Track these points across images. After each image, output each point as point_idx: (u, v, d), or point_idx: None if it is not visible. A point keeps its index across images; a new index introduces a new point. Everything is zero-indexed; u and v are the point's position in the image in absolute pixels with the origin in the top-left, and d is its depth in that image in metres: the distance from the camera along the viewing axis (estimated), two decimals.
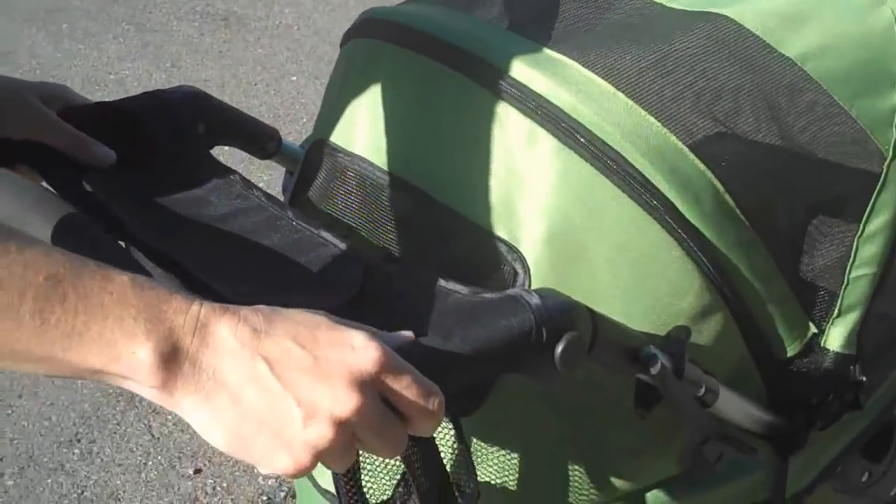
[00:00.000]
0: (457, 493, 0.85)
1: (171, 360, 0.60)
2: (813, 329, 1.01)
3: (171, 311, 0.61)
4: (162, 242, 0.87)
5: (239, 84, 3.80)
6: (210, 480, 2.16)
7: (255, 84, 3.82)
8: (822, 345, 1.02)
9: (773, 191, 0.96)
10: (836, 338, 1.02)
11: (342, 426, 0.62)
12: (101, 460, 2.21)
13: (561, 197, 0.90)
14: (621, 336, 0.83)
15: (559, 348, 0.75)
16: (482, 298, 0.80)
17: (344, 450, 0.63)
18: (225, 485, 2.15)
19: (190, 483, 2.15)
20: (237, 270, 0.89)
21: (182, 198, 0.97)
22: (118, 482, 2.16)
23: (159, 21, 4.25)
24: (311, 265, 0.89)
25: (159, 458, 2.21)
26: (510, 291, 0.78)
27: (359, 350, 0.63)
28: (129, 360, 0.60)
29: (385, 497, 0.89)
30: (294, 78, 3.88)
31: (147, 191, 0.97)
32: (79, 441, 2.25)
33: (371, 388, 0.63)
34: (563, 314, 0.76)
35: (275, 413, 0.61)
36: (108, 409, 2.34)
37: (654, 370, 0.83)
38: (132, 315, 0.60)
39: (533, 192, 0.91)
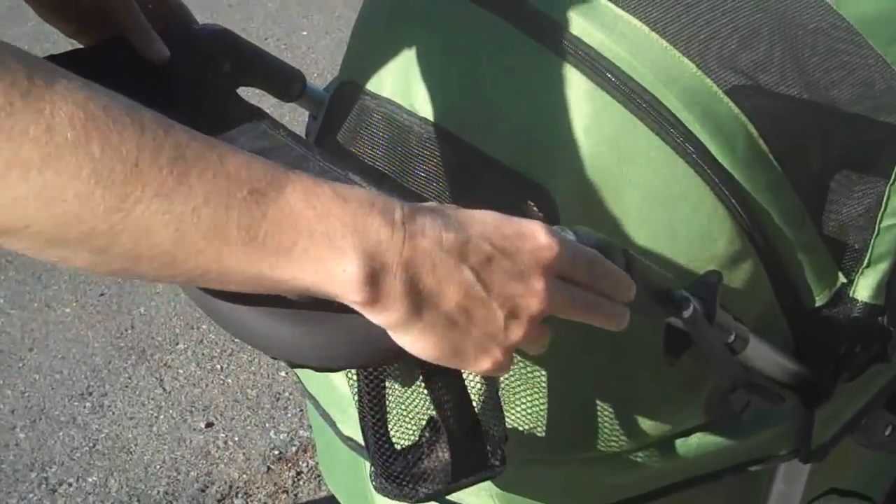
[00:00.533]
0: (486, 436, 0.85)
1: (381, 275, 0.59)
2: (842, 279, 1.00)
3: (377, 224, 0.59)
4: None
5: (249, 38, 3.66)
6: (221, 434, 2.16)
7: (266, 39, 3.80)
8: (850, 295, 1.01)
9: (805, 137, 0.95)
10: (864, 288, 1.00)
11: (536, 319, 0.65)
12: (113, 413, 2.21)
13: (593, 138, 0.89)
14: (654, 277, 0.82)
15: None
16: None
17: (538, 338, 0.66)
18: (236, 438, 2.15)
19: (202, 436, 2.15)
20: None
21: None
22: (130, 435, 2.16)
23: None
24: None
25: (171, 411, 2.22)
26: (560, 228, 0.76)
27: (545, 243, 0.64)
28: (340, 277, 0.59)
29: (412, 441, 0.89)
30: (305, 32, 3.85)
31: None
32: (90, 394, 2.25)
33: (559, 278, 0.65)
34: (598, 251, 0.75)
35: (479, 318, 0.63)
36: (120, 363, 2.33)
37: (686, 313, 0.81)
38: (339, 231, 0.59)
39: (565, 133, 0.90)
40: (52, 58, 0.95)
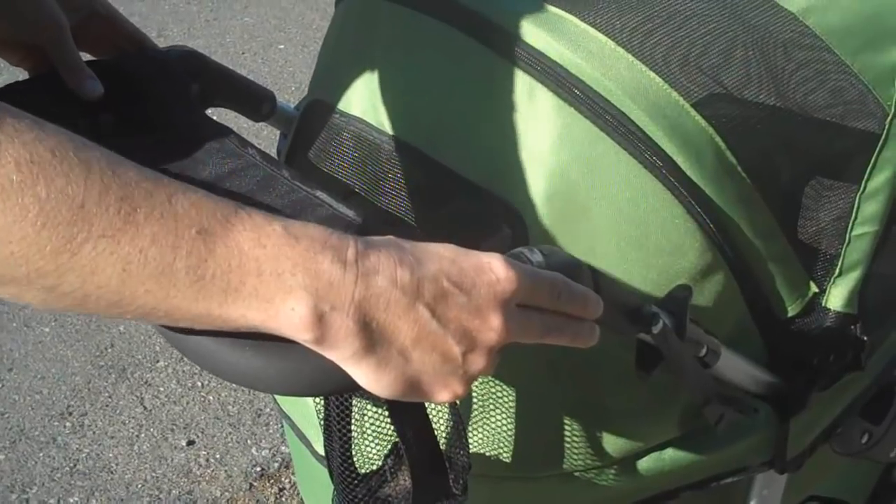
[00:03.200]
0: (448, 465, 0.84)
1: (331, 314, 0.59)
2: (814, 288, 1.00)
3: (328, 263, 0.59)
4: None
5: (227, 53, 3.77)
6: (203, 452, 2.15)
7: (243, 53, 3.79)
8: (823, 304, 1.01)
9: (774, 148, 0.95)
10: (836, 297, 1.00)
11: (496, 350, 0.65)
12: (94, 433, 2.19)
13: (561, 155, 0.89)
14: (622, 294, 0.82)
15: None
16: None
17: (495, 363, 0.66)
18: (218, 456, 2.14)
19: (183, 454, 2.14)
20: None
21: (175, 159, 0.95)
22: (111, 455, 2.14)
23: None
24: None
25: (152, 430, 2.20)
26: (513, 251, 0.76)
27: (503, 276, 0.64)
28: (289, 316, 0.59)
29: (375, 467, 0.88)
30: (282, 46, 3.85)
31: (139, 153, 0.94)
32: (70, 414, 2.24)
33: (519, 309, 0.65)
34: (565, 271, 0.75)
35: (436, 354, 0.63)
36: (100, 382, 2.32)
37: (655, 329, 0.81)
38: (289, 270, 0.58)
39: (532, 150, 0.90)
40: (14, 85, 0.94)
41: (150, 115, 0.98)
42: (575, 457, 0.96)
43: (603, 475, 0.98)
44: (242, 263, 0.58)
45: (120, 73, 1.00)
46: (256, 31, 3.96)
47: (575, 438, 0.96)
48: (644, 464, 0.99)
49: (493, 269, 0.64)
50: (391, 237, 0.65)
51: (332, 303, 0.59)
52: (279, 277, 0.58)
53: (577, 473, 0.97)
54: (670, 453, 1.00)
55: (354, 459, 0.88)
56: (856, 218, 0.99)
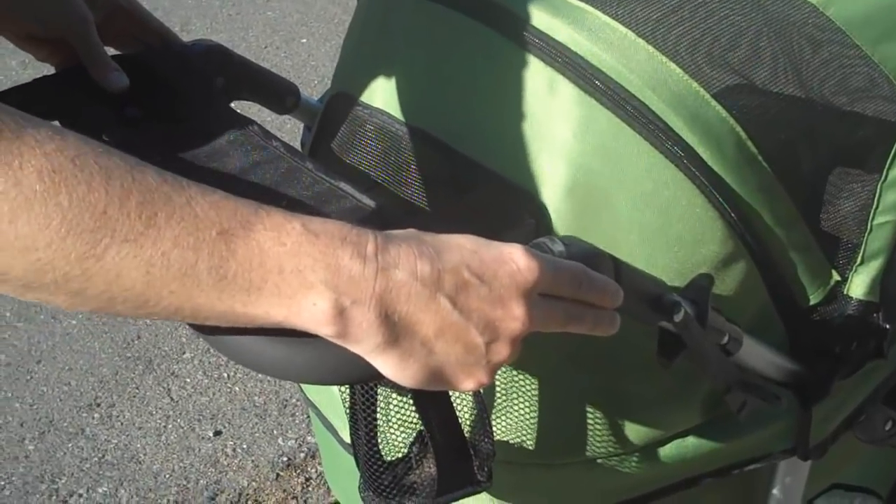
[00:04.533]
0: (472, 452, 0.85)
1: (353, 308, 0.60)
2: (836, 277, 1.00)
3: (349, 258, 0.60)
4: None
5: (249, 47, 3.78)
6: (230, 442, 2.17)
7: (266, 47, 3.81)
8: (845, 293, 1.01)
9: (795, 137, 0.95)
10: (859, 285, 1.01)
11: (519, 339, 0.66)
12: (121, 424, 2.22)
13: (582, 145, 0.90)
14: (644, 283, 0.83)
15: None
16: None
17: (517, 354, 0.67)
18: (245, 446, 2.16)
19: (210, 445, 2.17)
20: None
21: (200, 152, 0.96)
22: (138, 445, 2.17)
23: None
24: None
25: (179, 420, 2.23)
26: (534, 241, 0.77)
27: (524, 266, 0.65)
28: (311, 311, 0.60)
29: (401, 454, 0.89)
30: (304, 40, 3.86)
31: (164, 146, 0.96)
32: (98, 405, 2.26)
33: (541, 298, 0.66)
34: (586, 261, 0.75)
35: (459, 345, 0.64)
36: (127, 373, 2.35)
37: (677, 317, 0.82)
38: (309, 266, 0.59)
39: (554, 141, 0.90)
40: (41, 80, 0.96)
41: (176, 109, 0.99)
42: (597, 444, 0.97)
43: (625, 462, 0.98)
44: (263, 262, 0.59)
45: (145, 67, 1.01)
46: (279, 26, 3.97)
47: (597, 426, 0.96)
48: (666, 451, 1.00)
49: (515, 259, 0.65)
50: (412, 230, 0.66)
51: (354, 297, 0.60)
52: (300, 274, 0.59)
53: (599, 460, 0.98)
54: (692, 441, 1.00)
55: (380, 447, 0.89)
56: (877, 206, 0.99)
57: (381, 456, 0.89)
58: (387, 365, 0.63)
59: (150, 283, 0.57)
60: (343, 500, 1.33)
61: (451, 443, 0.83)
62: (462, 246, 0.65)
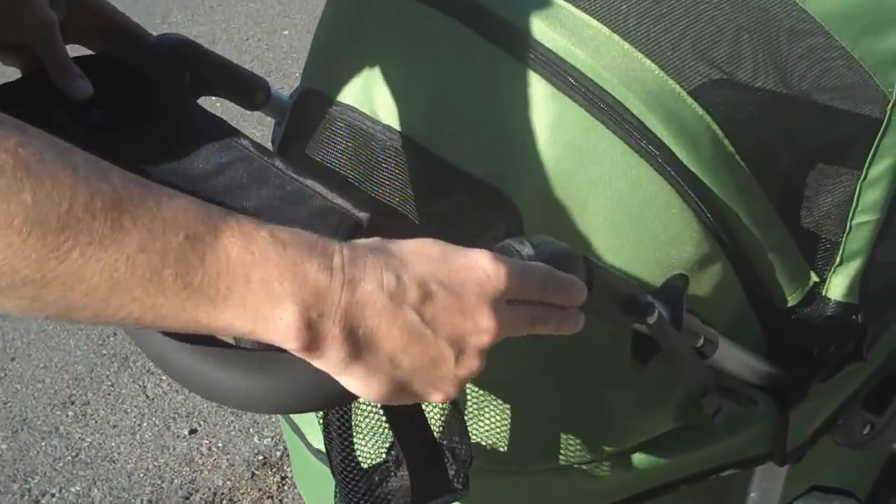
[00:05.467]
0: (450, 457, 0.83)
1: (319, 321, 0.58)
2: (814, 278, 0.99)
3: (315, 269, 0.58)
4: None
5: (231, 39, 3.75)
6: (206, 440, 2.14)
7: (247, 39, 3.77)
8: (823, 294, 0.99)
9: (772, 135, 0.93)
10: (837, 286, 0.99)
11: (486, 350, 0.64)
12: (96, 422, 2.19)
13: (555, 145, 0.88)
14: (617, 284, 0.81)
15: None
16: None
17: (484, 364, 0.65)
18: (220, 444, 2.13)
19: (185, 443, 2.14)
20: None
21: (167, 154, 0.93)
22: (113, 444, 2.14)
23: None
24: (300, 221, 0.87)
25: (154, 419, 2.20)
26: (503, 243, 0.75)
27: (492, 273, 0.63)
28: (277, 325, 0.58)
29: (377, 461, 0.87)
30: (286, 32, 3.83)
31: (129, 149, 0.94)
32: (73, 403, 2.24)
33: (510, 305, 0.64)
34: (557, 262, 0.73)
35: (427, 358, 0.62)
36: (102, 371, 2.32)
37: (651, 319, 0.80)
38: (276, 277, 0.57)
39: (527, 139, 0.88)
40: (2, 87, 0.93)
41: (142, 109, 0.97)
42: (570, 450, 0.95)
43: (599, 468, 0.96)
44: (230, 270, 0.57)
45: (111, 66, 0.99)
46: (261, 17, 3.94)
47: (570, 432, 0.94)
48: (641, 457, 0.98)
49: (482, 266, 0.63)
50: (377, 239, 0.64)
51: (320, 311, 0.58)
52: (267, 285, 0.57)
53: (572, 467, 0.96)
54: (667, 446, 0.99)
55: (356, 454, 0.87)
56: (857, 206, 0.97)
57: (357, 463, 0.87)
58: (352, 380, 0.61)
59: (114, 289, 0.55)
60: (310, 502, 1.30)
61: (424, 451, 0.82)
62: (429, 255, 0.63)
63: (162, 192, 0.57)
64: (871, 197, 0.97)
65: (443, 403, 0.67)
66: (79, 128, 0.93)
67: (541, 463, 0.93)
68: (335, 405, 0.73)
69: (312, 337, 0.59)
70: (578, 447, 0.95)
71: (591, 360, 0.91)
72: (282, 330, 0.58)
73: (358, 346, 0.60)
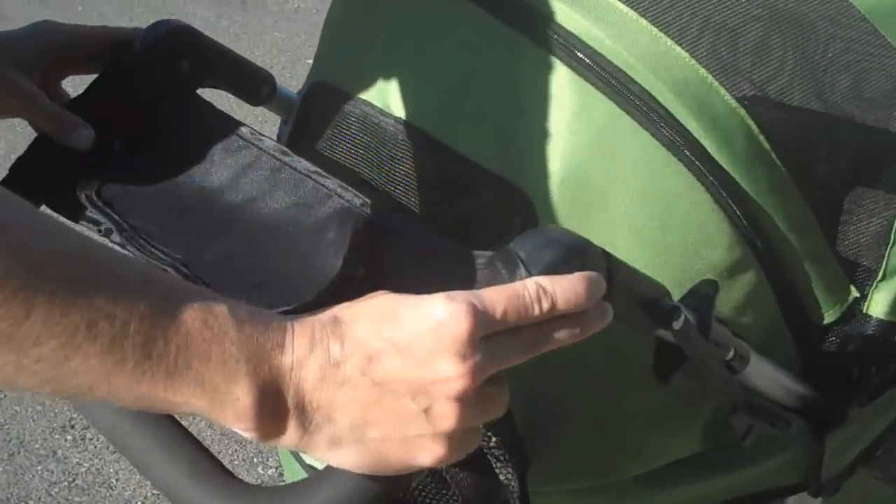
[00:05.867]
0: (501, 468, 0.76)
1: (274, 403, 0.56)
2: (854, 293, 0.91)
3: (271, 347, 0.56)
4: (157, 240, 0.83)
5: None
6: None
7: (272, 67, 3.74)
8: (864, 311, 0.92)
9: (811, 135, 0.87)
10: (879, 303, 0.92)
11: (463, 396, 0.58)
12: (95, 447, 2.13)
13: (575, 135, 0.81)
14: (640, 284, 0.74)
15: None
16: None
17: (480, 408, 0.60)
18: None
19: None
20: (239, 267, 0.83)
21: (186, 168, 0.91)
22: (111, 470, 2.07)
23: (176, 4, 4.20)
24: (320, 225, 0.83)
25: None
26: (498, 259, 0.67)
27: (445, 319, 0.57)
28: (233, 406, 0.56)
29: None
30: (310, 61, 3.80)
31: (155, 170, 0.92)
32: (72, 427, 2.17)
33: (473, 346, 0.58)
34: (566, 259, 0.66)
35: (392, 419, 0.58)
36: None
37: (676, 324, 0.73)
38: (234, 356, 0.55)
39: (546, 130, 0.82)
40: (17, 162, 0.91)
41: (152, 125, 0.94)
42: (586, 471, 0.87)
43: (616, 492, 0.89)
44: (190, 345, 0.54)
45: (111, 88, 0.95)
46: (286, 46, 3.92)
47: (586, 450, 0.87)
48: (661, 481, 0.90)
49: (434, 313, 0.57)
50: (330, 310, 0.60)
51: (275, 390, 0.56)
52: (225, 364, 0.55)
53: (590, 490, 0.88)
54: (691, 470, 0.91)
55: None
56: None
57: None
58: (320, 454, 0.59)
59: (70, 356, 0.52)
60: None
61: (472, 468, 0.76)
62: (377, 315, 0.59)
63: (127, 259, 0.57)
64: None
65: (442, 463, 0.60)
66: (106, 161, 0.92)
67: (553, 483, 0.85)
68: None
69: (267, 417, 0.56)
70: (595, 467, 0.87)
71: (611, 371, 0.84)
72: (238, 410, 0.56)
73: (313, 422, 0.57)
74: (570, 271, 0.64)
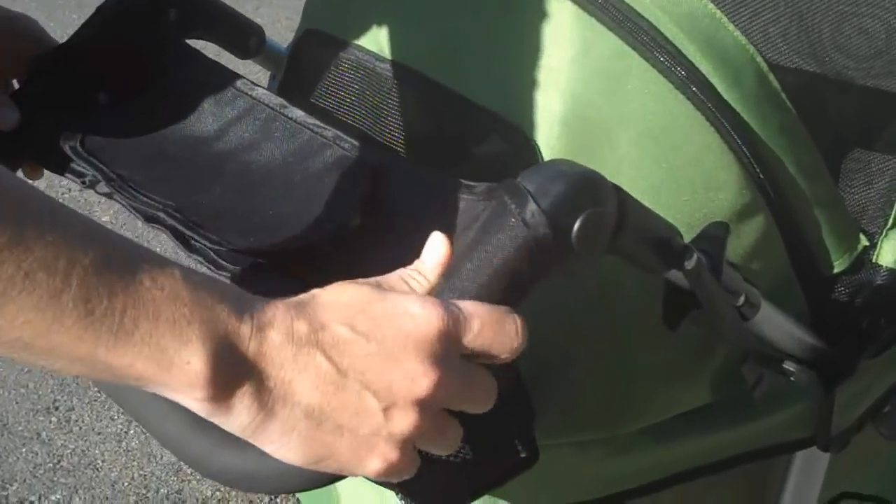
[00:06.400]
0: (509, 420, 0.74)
1: (229, 371, 0.52)
2: (864, 241, 0.89)
3: (226, 314, 0.52)
4: (145, 189, 0.81)
5: None
6: None
7: None
8: (873, 260, 0.90)
9: (822, 76, 0.84)
10: (889, 252, 0.89)
11: (426, 405, 0.55)
12: (80, 428, 2.09)
13: (580, 73, 0.78)
14: (652, 222, 0.71)
15: (576, 227, 0.62)
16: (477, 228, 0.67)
17: (438, 429, 0.57)
18: None
19: None
20: (233, 212, 0.80)
21: (177, 118, 0.89)
22: (97, 451, 2.03)
23: None
24: (317, 174, 0.80)
25: (140, 427, 2.09)
26: (506, 192, 0.64)
27: (419, 318, 0.55)
28: (182, 370, 0.51)
29: None
30: None
31: (141, 123, 0.90)
32: (56, 409, 2.13)
33: (444, 354, 0.55)
34: (577, 188, 0.63)
35: (350, 411, 0.54)
36: None
37: (689, 264, 0.70)
38: (185, 317, 0.51)
39: (549, 67, 0.79)
40: None
41: (142, 74, 0.92)
42: (593, 424, 0.85)
43: (623, 444, 0.86)
44: (138, 303, 0.50)
45: (93, 39, 0.93)
46: (267, 31, 3.86)
47: (593, 403, 0.84)
48: (670, 433, 0.88)
49: (409, 311, 0.55)
50: (303, 296, 0.56)
51: (229, 358, 0.52)
52: (175, 324, 0.51)
53: (595, 442, 0.85)
54: (700, 422, 0.88)
55: None
56: None
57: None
58: (268, 441, 0.55)
59: (4, 308, 0.48)
60: (305, 498, 1.20)
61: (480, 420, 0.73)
62: (347, 303, 0.55)
63: (71, 212, 0.52)
64: None
65: (390, 476, 0.57)
66: (90, 113, 0.90)
67: (560, 435, 0.82)
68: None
69: (220, 386, 0.52)
70: (602, 419, 0.84)
71: (620, 321, 0.81)
72: (189, 375, 0.51)
73: (269, 401, 0.53)
74: (581, 206, 0.61)
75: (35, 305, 0.48)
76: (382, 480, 0.58)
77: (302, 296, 0.56)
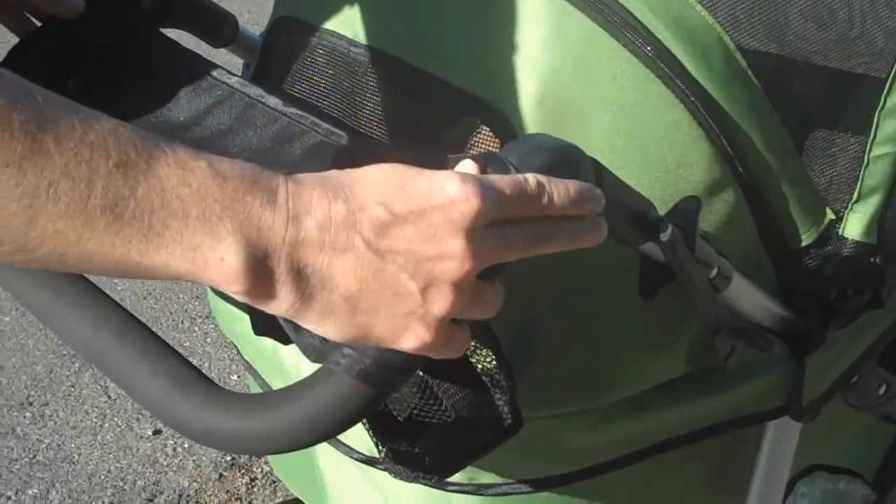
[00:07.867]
0: (494, 389, 0.75)
1: (264, 262, 0.52)
2: (830, 215, 0.91)
3: (259, 206, 0.52)
4: None
5: (199, 45, 3.66)
6: (170, 441, 2.04)
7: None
8: (839, 233, 0.92)
9: (787, 55, 0.86)
10: (854, 224, 0.92)
11: (462, 283, 0.56)
12: (55, 423, 2.08)
13: (553, 53, 0.80)
14: (627, 196, 0.72)
15: None
16: None
17: (473, 304, 0.57)
18: (186, 445, 2.03)
19: (149, 444, 2.04)
20: None
21: (149, 107, 0.89)
22: (72, 445, 2.03)
23: None
24: (295, 160, 0.80)
25: (116, 419, 2.09)
26: (490, 155, 0.65)
27: (457, 197, 0.55)
28: (218, 267, 0.52)
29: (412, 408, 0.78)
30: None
31: (111, 109, 0.88)
32: (31, 404, 2.13)
33: (480, 233, 0.55)
34: (560, 163, 0.65)
35: (388, 294, 0.55)
36: (62, 371, 2.21)
37: (664, 236, 0.72)
38: (216, 213, 0.51)
39: (522, 49, 0.81)
40: None
41: (115, 63, 0.92)
42: (572, 395, 0.86)
43: (602, 416, 0.88)
44: (166, 203, 0.50)
45: (66, 26, 0.93)
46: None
47: (571, 374, 0.86)
48: (645, 404, 0.89)
49: (447, 190, 0.55)
50: (337, 173, 0.56)
51: (265, 250, 0.52)
52: (206, 221, 0.51)
53: (574, 415, 0.87)
54: (675, 393, 0.90)
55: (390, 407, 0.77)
56: (875, 137, 0.90)
57: (394, 416, 0.77)
58: (307, 321, 0.56)
59: (33, 220, 0.48)
60: (286, 478, 1.21)
61: (466, 385, 0.74)
62: (384, 182, 0.55)
63: (90, 114, 0.51)
64: (890, 128, 0.90)
65: (428, 352, 0.58)
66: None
67: (538, 409, 0.84)
68: (342, 431, 0.66)
69: (257, 279, 0.52)
70: (579, 392, 0.86)
71: (594, 292, 0.83)
72: (224, 272, 0.52)
73: (308, 287, 0.54)
74: (562, 177, 0.63)
75: (63, 213, 0.49)
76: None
77: (338, 174, 0.56)
